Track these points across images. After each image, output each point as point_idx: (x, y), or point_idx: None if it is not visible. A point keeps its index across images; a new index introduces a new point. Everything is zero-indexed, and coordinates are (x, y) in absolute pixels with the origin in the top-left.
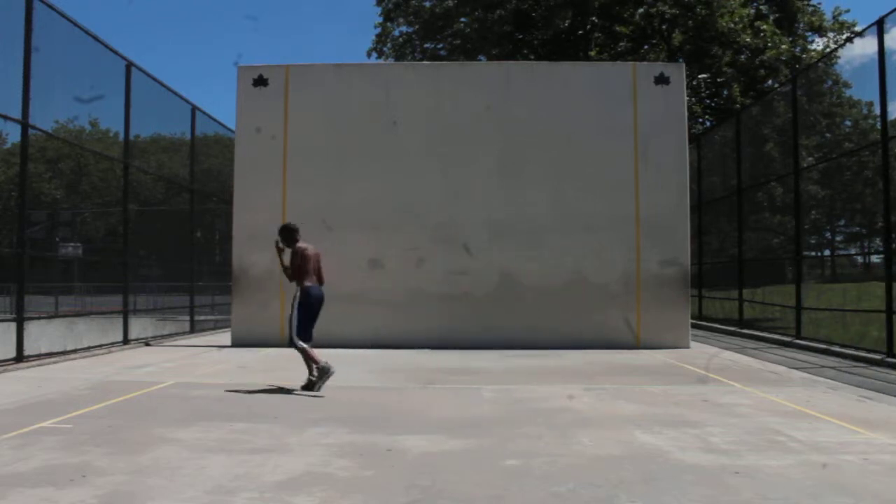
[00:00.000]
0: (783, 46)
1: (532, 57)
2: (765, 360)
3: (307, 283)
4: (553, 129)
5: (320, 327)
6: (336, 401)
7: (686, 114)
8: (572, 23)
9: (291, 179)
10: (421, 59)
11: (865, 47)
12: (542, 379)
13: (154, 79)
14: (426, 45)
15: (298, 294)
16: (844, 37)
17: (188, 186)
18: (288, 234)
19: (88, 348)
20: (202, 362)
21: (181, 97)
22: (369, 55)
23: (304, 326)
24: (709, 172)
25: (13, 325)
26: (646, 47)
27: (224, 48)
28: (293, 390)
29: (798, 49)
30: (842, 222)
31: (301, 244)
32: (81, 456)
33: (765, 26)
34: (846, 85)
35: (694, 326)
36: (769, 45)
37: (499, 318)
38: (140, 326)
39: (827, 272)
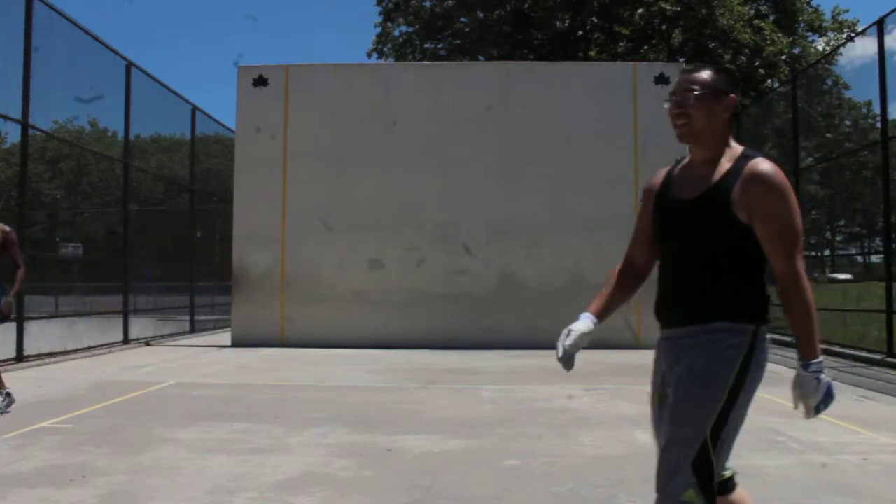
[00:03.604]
0: (784, 42)
1: (532, 57)
2: None
3: None
4: (553, 129)
5: (320, 326)
6: (336, 401)
7: None
8: (571, 23)
9: (291, 179)
10: (421, 59)
11: (866, 47)
12: (542, 379)
13: (154, 79)
14: (426, 46)
15: (13, 291)
16: (844, 36)
17: (188, 186)
18: None
19: (88, 348)
20: (202, 362)
21: (181, 97)
22: (369, 55)
23: None
24: None
25: (13, 325)
26: (646, 48)
27: (224, 48)
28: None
29: (798, 50)
30: (842, 222)
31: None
32: (81, 456)
33: (763, 24)
34: (845, 86)
35: None
36: (768, 42)
37: (499, 318)
38: (140, 326)
39: (827, 272)
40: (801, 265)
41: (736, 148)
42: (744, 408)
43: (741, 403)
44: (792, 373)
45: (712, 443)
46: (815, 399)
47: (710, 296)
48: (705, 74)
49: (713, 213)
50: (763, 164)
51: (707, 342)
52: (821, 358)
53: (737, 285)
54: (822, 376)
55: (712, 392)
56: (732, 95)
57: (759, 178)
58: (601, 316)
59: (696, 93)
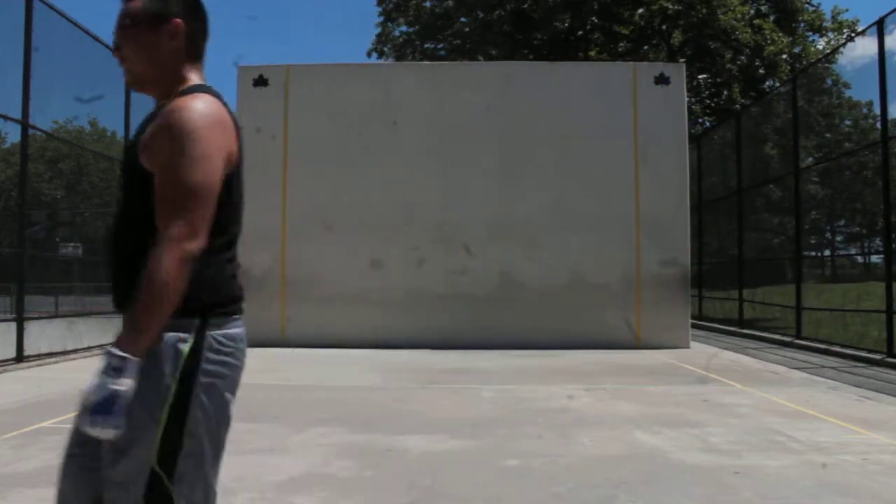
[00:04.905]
0: (784, 42)
1: (532, 57)
2: (765, 360)
3: None
4: (553, 129)
5: (320, 326)
6: (336, 401)
7: (686, 114)
8: (571, 23)
9: (291, 179)
10: (421, 60)
11: (866, 47)
12: (542, 379)
13: None
14: (426, 46)
15: None
16: (844, 36)
17: None
18: None
19: (88, 348)
20: None
21: None
22: (369, 55)
23: None
24: (709, 172)
25: (13, 325)
26: (646, 48)
27: (224, 48)
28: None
29: (799, 49)
30: (842, 222)
31: None
32: None
33: (764, 24)
34: (846, 85)
35: (694, 326)
36: (768, 42)
37: (499, 318)
38: None
39: (827, 272)
40: (181, 232)
41: (188, 83)
42: (210, 428)
43: (198, 423)
44: (793, 373)
45: (167, 475)
46: (87, 401)
47: (134, 277)
48: (136, 0)
49: (130, 169)
50: (183, 101)
51: None
52: (129, 356)
53: None
54: (111, 381)
55: (141, 412)
56: (177, 20)
57: (165, 117)
58: None
59: (125, 28)
